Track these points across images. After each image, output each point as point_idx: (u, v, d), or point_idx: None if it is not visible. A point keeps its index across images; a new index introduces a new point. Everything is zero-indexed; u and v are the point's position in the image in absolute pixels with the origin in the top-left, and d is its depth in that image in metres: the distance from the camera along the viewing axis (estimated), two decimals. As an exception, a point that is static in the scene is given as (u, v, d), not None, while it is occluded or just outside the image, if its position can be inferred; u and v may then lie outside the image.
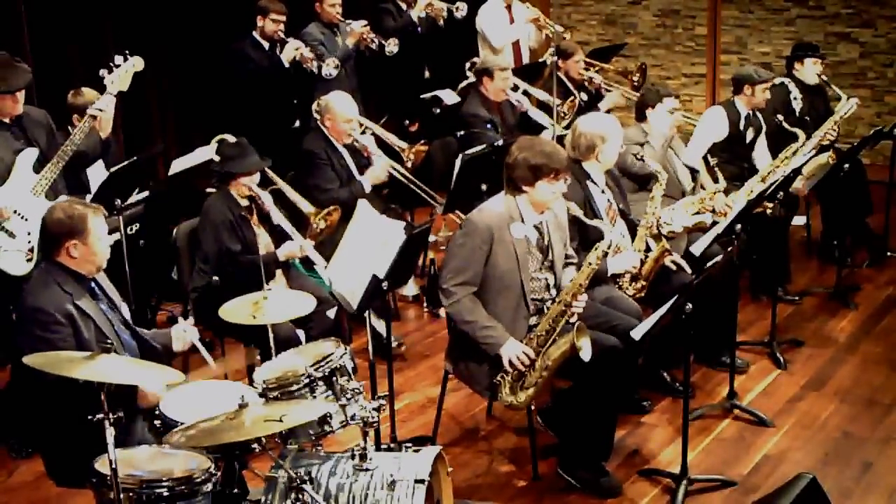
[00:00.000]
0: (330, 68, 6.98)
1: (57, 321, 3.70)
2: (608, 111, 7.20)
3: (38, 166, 4.85)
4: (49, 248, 3.85)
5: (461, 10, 7.86)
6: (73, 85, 5.76)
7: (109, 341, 3.54)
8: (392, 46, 7.30)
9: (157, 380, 3.64)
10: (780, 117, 6.47)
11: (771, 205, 5.45)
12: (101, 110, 5.02)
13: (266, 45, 7.06)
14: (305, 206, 5.52)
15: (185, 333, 4.06)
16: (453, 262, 4.37)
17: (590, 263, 4.29)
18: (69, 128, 5.56)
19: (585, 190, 4.96)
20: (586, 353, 4.20)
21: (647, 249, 5.10)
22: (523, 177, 4.34)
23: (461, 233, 4.41)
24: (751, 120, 6.42)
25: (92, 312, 3.81)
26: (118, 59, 5.08)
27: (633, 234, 5.11)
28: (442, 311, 5.85)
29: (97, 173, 5.51)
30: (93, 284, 3.91)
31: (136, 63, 5.13)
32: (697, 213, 5.46)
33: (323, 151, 5.93)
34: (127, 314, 4.06)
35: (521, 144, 4.43)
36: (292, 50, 6.95)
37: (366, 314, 4.58)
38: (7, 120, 4.88)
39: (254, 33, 7.06)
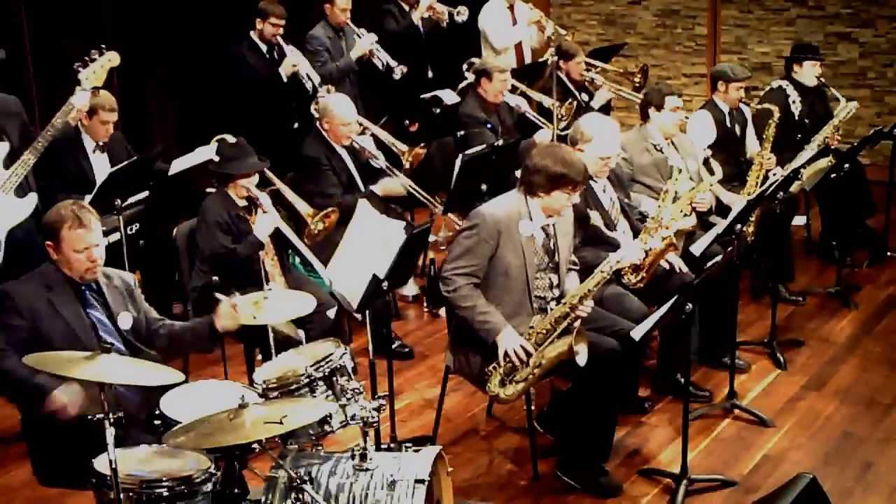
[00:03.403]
0: (322, 91, 6.92)
1: (16, 310, 3.75)
2: (601, 108, 7.24)
3: (9, 161, 4.78)
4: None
5: (462, 15, 7.86)
6: (73, 85, 5.75)
7: (110, 343, 3.54)
8: (398, 72, 7.22)
9: (162, 380, 3.60)
10: (744, 99, 6.50)
11: (781, 194, 5.42)
12: (73, 106, 4.92)
13: (264, 48, 7.06)
14: (303, 208, 5.51)
15: (234, 311, 3.95)
16: (457, 251, 4.38)
17: (602, 271, 4.29)
18: (79, 124, 5.57)
19: (586, 187, 4.95)
20: (582, 359, 4.20)
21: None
22: (540, 183, 4.35)
23: (469, 224, 4.41)
24: (735, 116, 6.44)
25: (67, 313, 3.83)
26: (93, 53, 4.97)
27: (636, 234, 5.11)
28: (442, 311, 5.85)
29: (105, 168, 5.52)
30: (85, 291, 3.92)
31: (112, 58, 5.00)
32: (683, 211, 5.38)
33: (323, 156, 5.91)
34: (127, 325, 4.02)
35: (543, 151, 4.44)
36: (290, 66, 6.94)
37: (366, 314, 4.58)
38: None
39: (252, 35, 7.05)
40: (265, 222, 5.06)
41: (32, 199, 4.85)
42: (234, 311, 3.96)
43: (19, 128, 4.93)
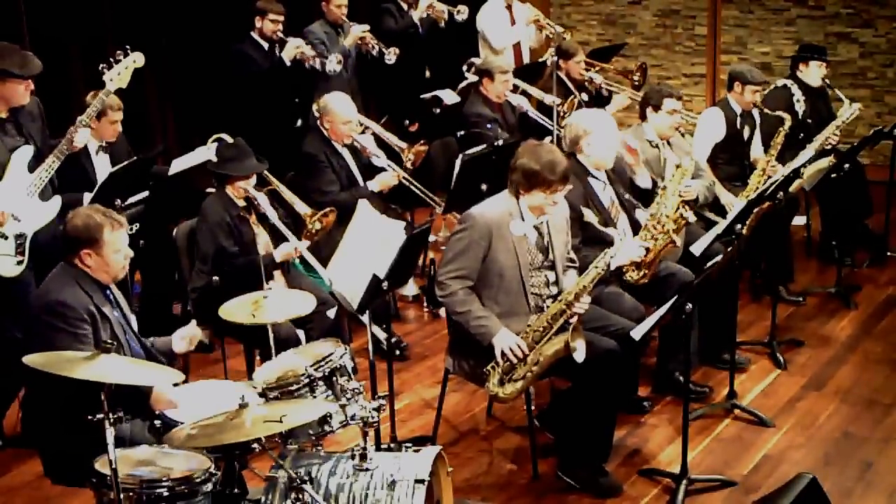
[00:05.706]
0: (333, 64, 7.00)
1: (80, 317, 3.72)
2: (598, 103, 7.24)
3: (34, 164, 4.80)
4: (66, 251, 3.86)
5: (462, 13, 7.87)
6: (74, 85, 5.74)
7: (111, 342, 3.55)
8: (391, 56, 7.28)
9: (165, 380, 3.63)
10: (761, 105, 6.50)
11: (781, 194, 5.41)
12: (97, 108, 4.95)
13: (265, 45, 7.08)
14: (301, 208, 5.51)
15: (192, 335, 4.07)
16: (450, 254, 4.39)
17: (596, 267, 4.29)
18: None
19: (586, 185, 4.96)
20: (580, 355, 4.19)
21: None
22: (519, 182, 4.36)
23: (460, 227, 4.42)
24: (745, 118, 6.44)
25: (109, 314, 3.84)
26: (118, 54, 4.97)
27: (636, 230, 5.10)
28: (442, 311, 5.85)
29: (107, 169, 5.50)
30: (108, 291, 3.92)
31: (137, 59, 5.00)
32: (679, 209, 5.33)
33: (322, 154, 5.92)
34: (135, 324, 4.06)
35: (526, 149, 4.44)
36: (293, 48, 6.96)
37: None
38: (3, 115, 4.78)
39: (252, 34, 7.07)
40: (285, 249, 5.06)
41: (57, 202, 4.85)
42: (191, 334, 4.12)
43: (41, 129, 4.93)
